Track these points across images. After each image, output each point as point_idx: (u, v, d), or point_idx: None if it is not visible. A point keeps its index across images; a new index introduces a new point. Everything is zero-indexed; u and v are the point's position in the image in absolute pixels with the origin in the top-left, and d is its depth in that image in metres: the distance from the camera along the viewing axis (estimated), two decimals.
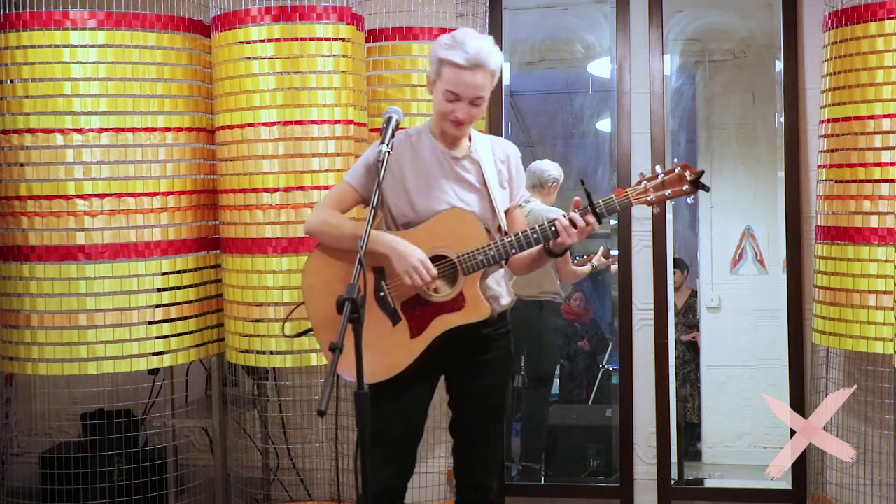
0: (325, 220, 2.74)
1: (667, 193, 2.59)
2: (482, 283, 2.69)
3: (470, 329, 2.69)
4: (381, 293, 2.70)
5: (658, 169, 2.60)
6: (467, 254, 2.63)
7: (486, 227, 2.68)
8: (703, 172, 2.57)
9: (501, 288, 2.80)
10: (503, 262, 2.70)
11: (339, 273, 2.73)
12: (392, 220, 2.76)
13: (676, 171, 2.58)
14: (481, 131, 3.95)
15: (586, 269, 4.60)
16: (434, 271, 2.61)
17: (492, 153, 2.77)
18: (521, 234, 2.61)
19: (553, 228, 2.58)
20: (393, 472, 2.74)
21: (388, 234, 2.68)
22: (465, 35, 2.62)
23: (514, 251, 2.62)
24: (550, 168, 4.48)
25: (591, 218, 2.57)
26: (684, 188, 2.57)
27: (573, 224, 2.56)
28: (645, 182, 2.58)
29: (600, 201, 2.58)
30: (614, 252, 4.30)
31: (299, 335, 3.17)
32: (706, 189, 2.60)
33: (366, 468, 2.18)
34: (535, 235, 2.60)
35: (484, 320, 2.69)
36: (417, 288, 2.63)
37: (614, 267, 4.31)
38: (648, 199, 2.58)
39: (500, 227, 2.74)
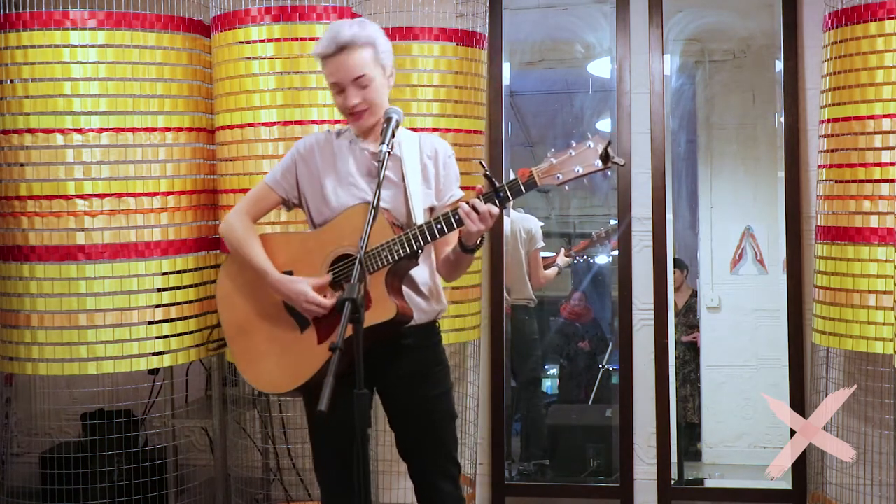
0: (239, 237, 2.69)
1: (578, 170, 2.39)
2: (392, 281, 2.55)
3: (389, 339, 2.59)
4: None
5: (572, 143, 2.42)
6: (370, 251, 2.50)
7: (396, 224, 2.58)
8: (609, 143, 2.38)
9: (425, 296, 2.67)
10: (413, 257, 2.55)
11: (252, 279, 2.69)
12: (311, 218, 2.72)
13: (589, 144, 2.39)
14: (480, 132, 3.99)
15: (553, 271, 4.68)
16: (326, 303, 2.54)
17: (418, 149, 2.68)
18: (423, 225, 2.49)
19: (457, 216, 2.45)
20: (346, 487, 2.63)
21: (274, 273, 2.62)
22: (328, 28, 2.60)
23: (417, 243, 2.49)
24: None
25: (491, 205, 2.43)
26: (596, 163, 2.37)
27: (475, 209, 2.43)
28: (552, 159, 2.41)
29: (504, 184, 2.44)
30: (615, 252, 4.31)
31: (219, 344, 3.12)
32: (619, 164, 2.39)
33: (362, 469, 2.17)
34: (438, 226, 2.47)
35: (410, 331, 2.60)
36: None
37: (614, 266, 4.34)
38: (556, 177, 2.40)
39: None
